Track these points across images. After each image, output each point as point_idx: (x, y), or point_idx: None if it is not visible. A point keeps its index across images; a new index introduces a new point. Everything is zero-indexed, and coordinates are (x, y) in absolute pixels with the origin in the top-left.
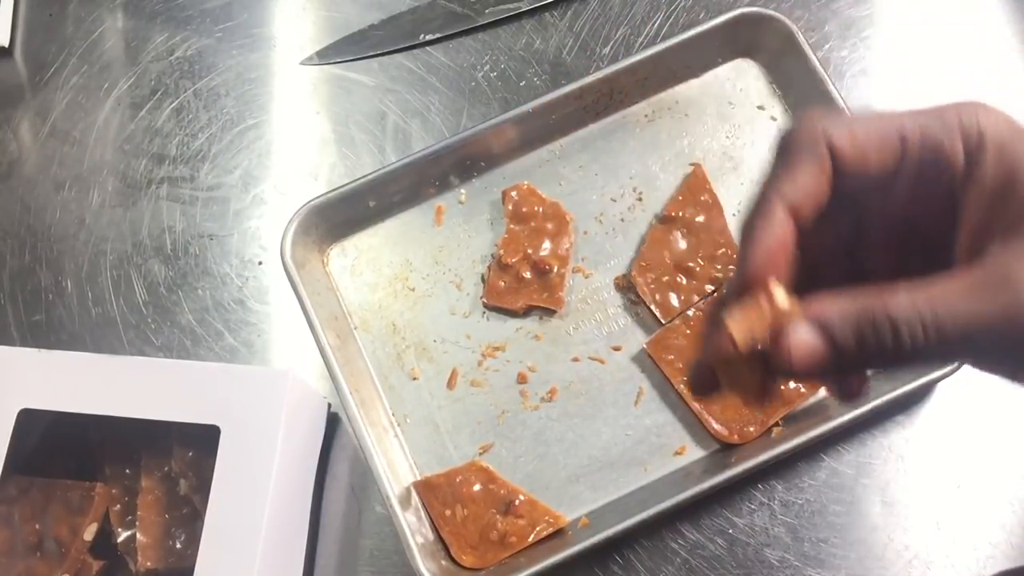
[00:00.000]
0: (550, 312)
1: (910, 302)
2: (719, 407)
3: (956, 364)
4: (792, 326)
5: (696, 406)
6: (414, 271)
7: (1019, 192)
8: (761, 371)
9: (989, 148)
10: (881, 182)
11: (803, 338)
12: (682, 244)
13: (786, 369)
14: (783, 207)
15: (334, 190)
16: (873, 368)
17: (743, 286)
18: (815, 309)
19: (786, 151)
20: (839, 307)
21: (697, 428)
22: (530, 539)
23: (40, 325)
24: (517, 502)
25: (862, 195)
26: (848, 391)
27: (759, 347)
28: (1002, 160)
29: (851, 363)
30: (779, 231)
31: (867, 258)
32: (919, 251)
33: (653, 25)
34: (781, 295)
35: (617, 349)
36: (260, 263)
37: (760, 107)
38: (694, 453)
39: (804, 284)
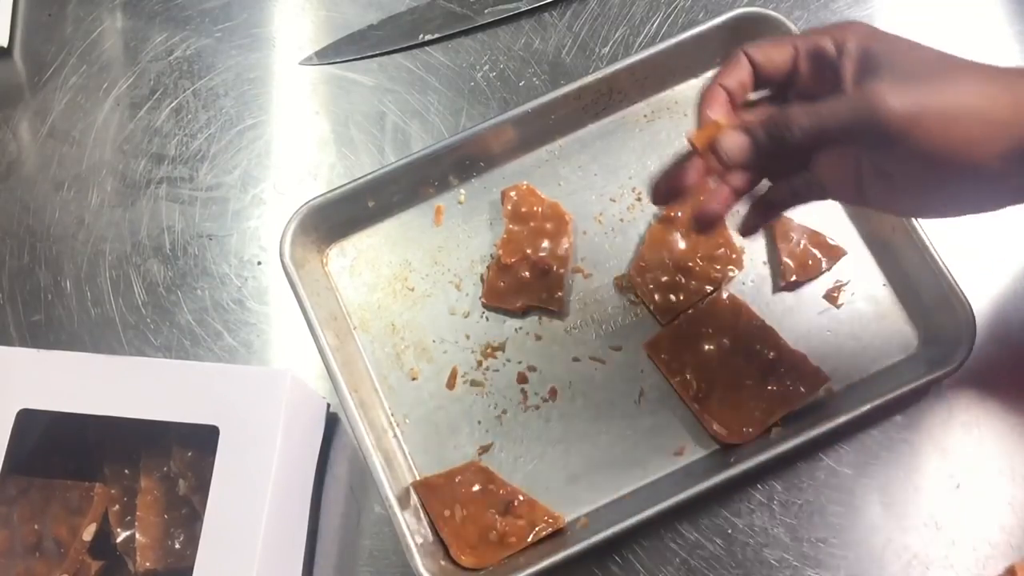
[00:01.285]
0: (550, 312)
1: (799, 107)
2: (719, 407)
3: (956, 364)
4: (725, 131)
5: (696, 406)
6: (413, 271)
7: (872, 54)
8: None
9: (848, 39)
10: (788, 73)
11: (732, 137)
12: (681, 244)
13: (723, 160)
14: (720, 87)
15: (333, 190)
16: (782, 158)
17: (700, 122)
18: (740, 120)
19: (723, 63)
20: (755, 116)
21: (696, 428)
22: (529, 539)
23: (39, 325)
24: (516, 502)
25: (780, 79)
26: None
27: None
28: (858, 42)
29: (765, 150)
30: (721, 98)
31: None
32: None
33: (652, 25)
34: (724, 120)
35: (616, 349)
36: (259, 263)
37: None
38: (693, 453)
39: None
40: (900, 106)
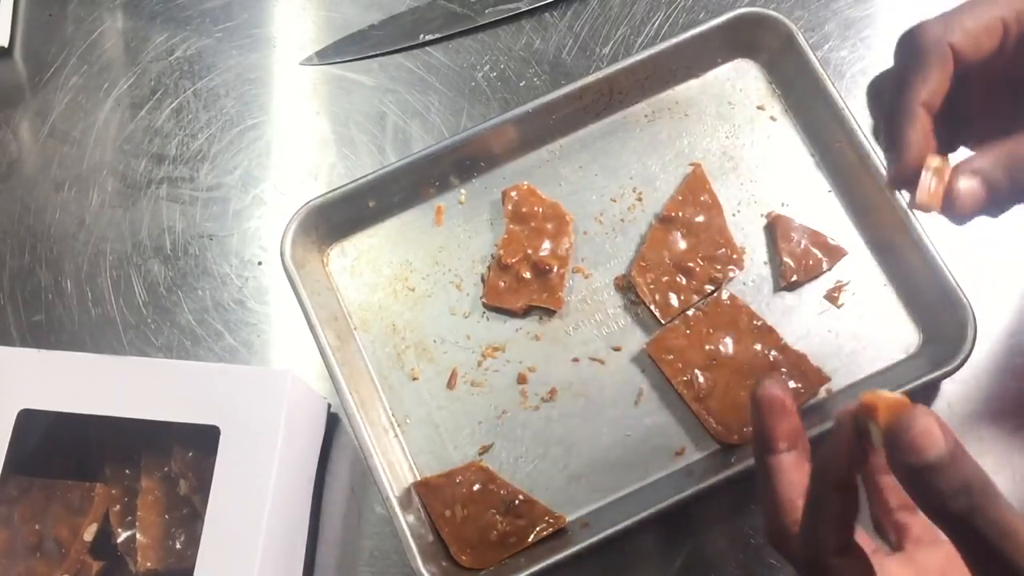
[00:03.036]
0: (550, 312)
1: None
2: (719, 407)
3: (956, 364)
4: (954, 179)
5: (696, 406)
6: (414, 271)
7: None
8: None
9: None
10: (990, 57)
11: (965, 185)
12: (682, 244)
13: (957, 211)
14: (922, 108)
15: (334, 190)
16: (1018, 202)
17: (910, 173)
18: (968, 163)
19: (917, 58)
20: (988, 157)
21: (697, 428)
22: (530, 539)
23: (40, 325)
24: (517, 502)
25: (977, 67)
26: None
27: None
28: None
29: (1002, 199)
30: (924, 127)
31: (966, 116)
32: (1010, 103)
33: (653, 25)
34: (938, 162)
35: (617, 349)
36: (260, 263)
37: (760, 107)
38: (694, 453)
39: None
40: None
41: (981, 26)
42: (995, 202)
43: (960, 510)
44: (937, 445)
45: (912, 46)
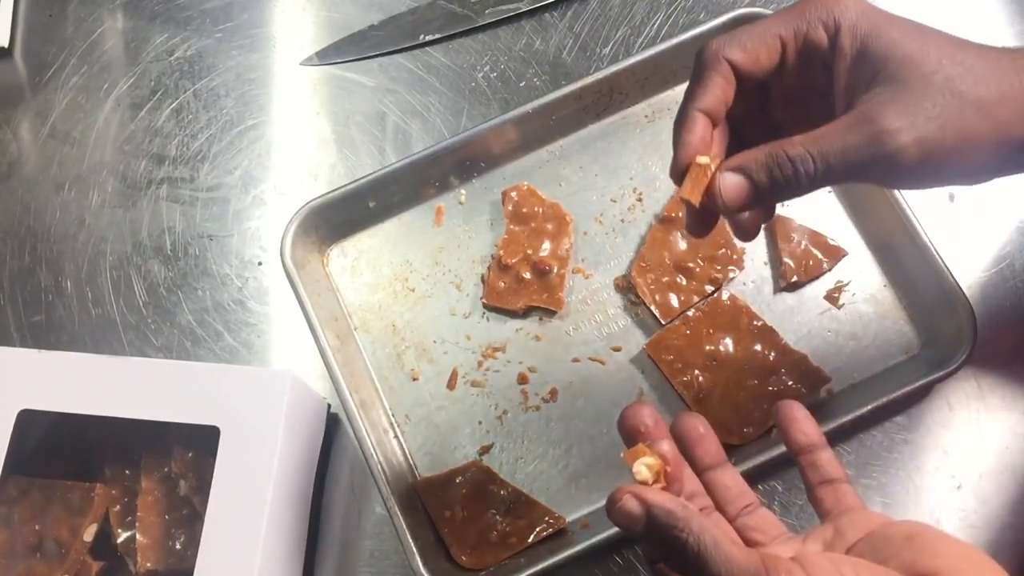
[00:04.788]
0: (550, 313)
1: (801, 145)
2: (719, 407)
3: (956, 365)
4: (720, 174)
5: (696, 406)
6: (414, 271)
7: (870, 57)
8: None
9: (843, 28)
10: (774, 71)
11: (729, 181)
12: (682, 244)
13: (721, 206)
14: (700, 114)
15: (334, 190)
16: (784, 198)
17: (681, 170)
18: (735, 160)
19: (697, 71)
20: (752, 155)
21: None
22: (530, 540)
23: (40, 326)
24: (517, 503)
25: (765, 80)
26: (745, 230)
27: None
28: (855, 36)
29: (766, 195)
30: (699, 131)
31: (780, 124)
32: (815, 111)
33: (653, 26)
34: (704, 160)
35: (617, 350)
36: (260, 264)
37: None
38: None
39: (736, 150)
40: (914, 143)
41: (757, 42)
42: (758, 197)
43: (675, 567)
44: (633, 523)
45: (696, 62)
